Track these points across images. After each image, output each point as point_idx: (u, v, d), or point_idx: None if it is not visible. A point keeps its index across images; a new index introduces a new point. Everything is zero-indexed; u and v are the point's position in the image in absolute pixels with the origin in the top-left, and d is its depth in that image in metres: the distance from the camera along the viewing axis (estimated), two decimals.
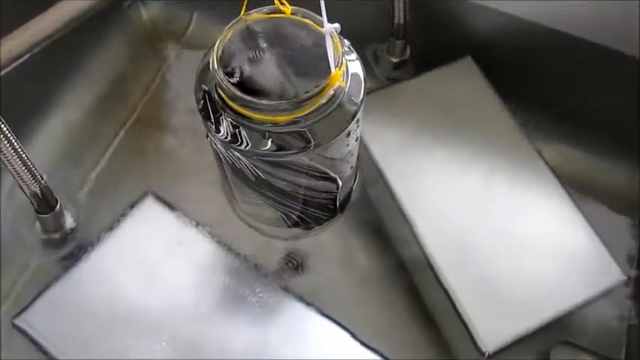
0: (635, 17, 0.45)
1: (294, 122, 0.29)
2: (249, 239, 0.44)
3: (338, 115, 0.30)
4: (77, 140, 0.50)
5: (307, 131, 0.30)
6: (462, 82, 0.49)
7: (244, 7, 0.30)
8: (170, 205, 0.43)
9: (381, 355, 0.40)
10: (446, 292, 0.41)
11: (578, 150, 0.52)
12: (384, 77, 0.53)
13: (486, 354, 0.39)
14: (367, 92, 0.47)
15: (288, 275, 0.44)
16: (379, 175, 0.45)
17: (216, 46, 0.30)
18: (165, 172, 0.48)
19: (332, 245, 0.46)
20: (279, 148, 0.30)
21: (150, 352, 0.38)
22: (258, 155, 0.31)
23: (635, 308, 0.45)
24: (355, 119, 0.31)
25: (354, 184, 0.41)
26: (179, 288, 0.40)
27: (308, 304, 0.40)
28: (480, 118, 0.48)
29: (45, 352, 0.38)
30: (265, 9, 0.31)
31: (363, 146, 0.46)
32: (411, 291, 0.45)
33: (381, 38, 0.52)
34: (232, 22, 0.31)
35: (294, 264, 0.45)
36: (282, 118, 0.28)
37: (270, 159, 0.31)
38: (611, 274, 0.42)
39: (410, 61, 0.52)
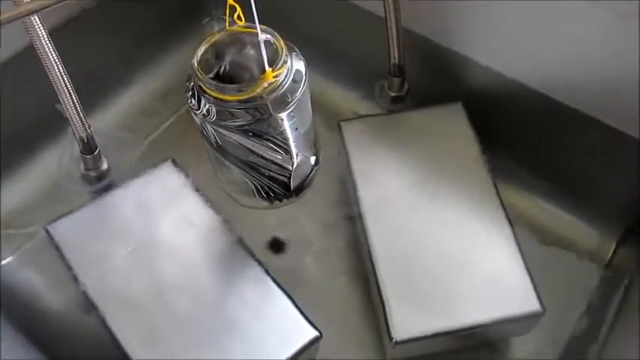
0: (617, 88, 0.48)
1: (243, 102, 0.39)
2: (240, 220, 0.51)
3: (275, 100, 0.40)
4: (135, 116, 0.63)
5: (252, 108, 0.40)
6: (449, 123, 0.54)
7: (227, 23, 0.41)
8: (184, 172, 0.53)
9: (314, 326, 0.45)
10: (377, 283, 0.46)
11: (543, 200, 0.56)
12: (384, 109, 0.60)
13: (394, 340, 0.44)
14: (363, 115, 0.56)
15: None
16: (353, 190, 0.51)
17: (198, 50, 0.41)
18: (195, 153, 0.56)
19: (310, 235, 0.55)
20: (232, 118, 0.40)
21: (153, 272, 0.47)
22: (220, 124, 0.41)
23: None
24: (288, 109, 0.41)
25: (310, 173, 0.49)
26: (171, 234, 0.50)
27: (260, 263, 0.48)
28: (456, 157, 0.52)
29: (62, 257, 0.49)
30: (239, 26, 0.41)
31: (344, 150, 0.53)
32: (363, 283, 0.52)
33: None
34: (214, 33, 0.42)
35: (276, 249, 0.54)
36: (231, 98, 0.39)
37: (230, 127, 0.41)
38: (529, 303, 0.45)
39: (408, 98, 0.59)
